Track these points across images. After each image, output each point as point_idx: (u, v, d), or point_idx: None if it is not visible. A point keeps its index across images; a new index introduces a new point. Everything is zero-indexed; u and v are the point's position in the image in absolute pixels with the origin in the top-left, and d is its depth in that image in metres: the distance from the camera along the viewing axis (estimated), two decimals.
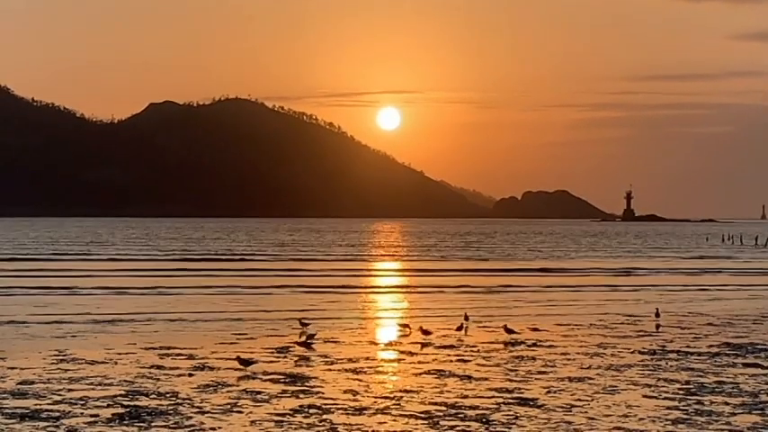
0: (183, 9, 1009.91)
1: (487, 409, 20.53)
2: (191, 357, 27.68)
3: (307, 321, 35.87)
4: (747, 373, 25.54)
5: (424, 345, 30.92)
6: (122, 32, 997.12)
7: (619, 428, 18.82)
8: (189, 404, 20.87)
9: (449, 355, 28.56)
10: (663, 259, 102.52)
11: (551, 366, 26.53)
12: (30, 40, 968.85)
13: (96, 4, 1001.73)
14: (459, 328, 34.44)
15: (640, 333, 34.91)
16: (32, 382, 23.35)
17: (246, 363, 25.70)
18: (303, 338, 31.55)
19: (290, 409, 20.35)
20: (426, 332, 32.89)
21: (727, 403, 21.32)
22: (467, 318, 36.21)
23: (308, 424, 19.08)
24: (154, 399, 21.42)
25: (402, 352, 29.45)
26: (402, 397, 21.83)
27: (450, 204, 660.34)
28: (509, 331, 33.09)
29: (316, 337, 31.85)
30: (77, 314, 40.39)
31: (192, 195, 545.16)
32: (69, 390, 22.42)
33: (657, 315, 39.95)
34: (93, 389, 22.56)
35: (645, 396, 22.13)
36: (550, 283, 63.15)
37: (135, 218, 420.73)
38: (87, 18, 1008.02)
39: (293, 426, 18.94)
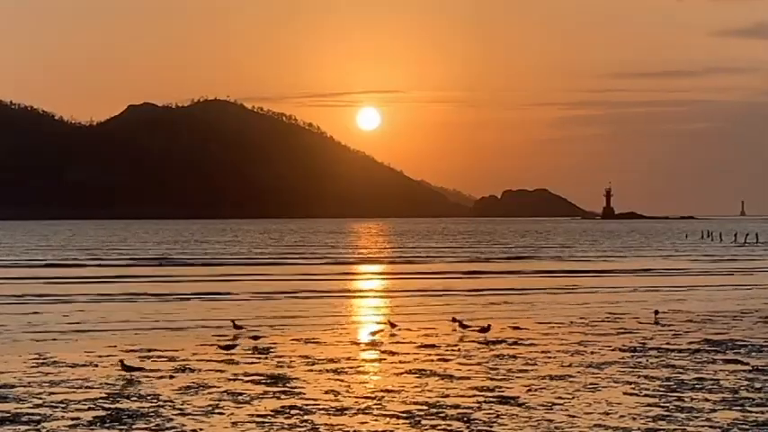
0: (160, 10, 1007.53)
1: (469, 408, 20.57)
2: (171, 359, 27.62)
3: (240, 324, 35.23)
4: (727, 370, 25.66)
5: (404, 344, 30.96)
6: (99, 34, 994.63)
7: (600, 426, 18.90)
8: (170, 406, 20.84)
9: (429, 355, 28.61)
10: (642, 257, 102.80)
11: (532, 365, 26.59)
12: (5, 42, 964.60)
13: (72, 5, 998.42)
14: (462, 326, 34.20)
15: (621, 331, 35.01)
16: (12, 386, 23.25)
17: (130, 368, 25.10)
18: (232, 341, 30.98)
19: (272, 410, 20.35)
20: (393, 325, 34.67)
21: (707, 400, 21.42)
22: (455, 320, 35.97)
23: (289, 425, 19.09)
24: (135, 401, 21.38)
25: (383, 352, 29.47)
26: (383, 397, 21.86)
27: (431, 204, 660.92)
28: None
29: (239, 342, 30.96)
30: (58, 318, 40.23)
31: (173, 197, 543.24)
32: (50, 393, 22.34)
33: (657, 313, 39.93)
34: (73, 392, 22.49)
35: (625, 393, 22.21)
36: (530, 285, 63.22)
37: (115, 220, 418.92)
38: (63, 20, 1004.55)
39: (275, 427, 18.94)
